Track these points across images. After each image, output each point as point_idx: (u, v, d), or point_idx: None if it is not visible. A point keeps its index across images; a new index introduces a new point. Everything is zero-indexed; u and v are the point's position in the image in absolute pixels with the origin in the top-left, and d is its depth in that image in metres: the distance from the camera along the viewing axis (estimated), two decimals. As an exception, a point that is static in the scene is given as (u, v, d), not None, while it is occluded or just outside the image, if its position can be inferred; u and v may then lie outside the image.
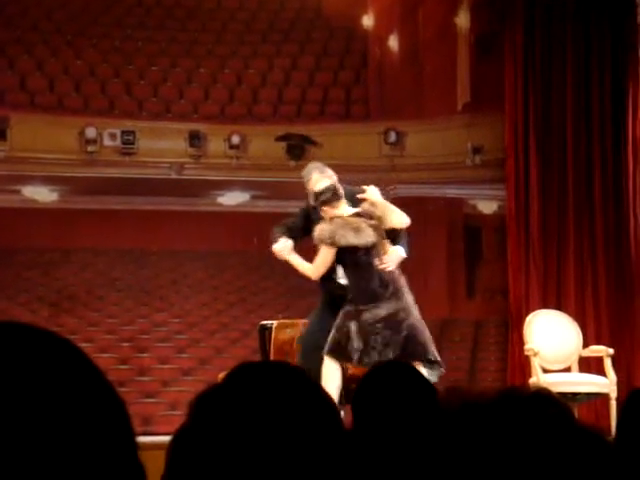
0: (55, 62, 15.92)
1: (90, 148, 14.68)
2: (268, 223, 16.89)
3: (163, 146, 14.97)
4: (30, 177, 15.00)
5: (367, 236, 6.68)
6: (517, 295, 11.68)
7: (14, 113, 14.52)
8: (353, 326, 7.05)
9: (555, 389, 7.80)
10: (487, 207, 14.28)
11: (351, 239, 6.71)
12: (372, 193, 7.03)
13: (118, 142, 14.74)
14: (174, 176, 15.07)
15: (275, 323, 8.35)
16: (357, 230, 6.71)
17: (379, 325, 6.98)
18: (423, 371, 6.94)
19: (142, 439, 1.05)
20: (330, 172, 7.38)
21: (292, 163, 15.12)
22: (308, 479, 1.17)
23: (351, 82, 16.47)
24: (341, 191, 7.03)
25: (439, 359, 7.28)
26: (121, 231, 16.55)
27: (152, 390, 12.62)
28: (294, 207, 16.82)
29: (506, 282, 12.08)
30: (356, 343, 7.07)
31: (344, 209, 6.91)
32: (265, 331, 8.33)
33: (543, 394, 1.28)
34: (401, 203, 15.52)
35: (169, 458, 1.29)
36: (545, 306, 10.95)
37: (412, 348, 7.08)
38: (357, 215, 6.74)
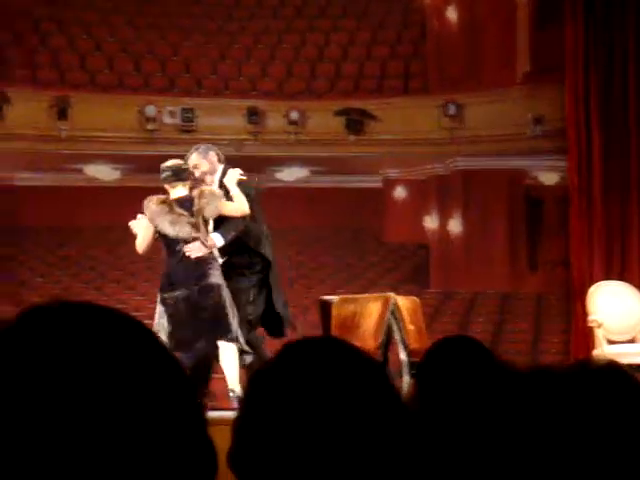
0: (114, 41, 16.01)
1: (150, 126, 14.77)
2: (327, 198, 16.98)
3: (222, 123, 15.01)
4: (92, 156, 15.14)
5: (181, 231, 7.00)
6: (580, 267, 11.57)
7: (75, 92, 14.65)
8: (162, 311, 7.29)
9: (620, 360, 7.71)
10: (549, 178, 14.15)
11: (166, 228, 7.05)
12: (229, 177, 7.17)
13: (178, 120, 14.81)
14: (233, 153, 15.10)
15: (336, 299, 8.34)
16: (173, 222, 7.01)
17: (179, 306, 7.20)
18: (232, 349, 6.99)
19: (209, 414, 1.06)
20: (211, 154, 7.36)
21: (351, 138, 15.09)
22: (369, 455, 1.17)
23: (409, 55, 16.35)
24: (183, 175, 7.21)
25: (244, 346, 7.28)
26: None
27: (217, 366, 12.70)
28: (353, 181, 16.89)
29: (568, 254, 11.96)
30: (166, 328, 7.26)
31: (177, 192, 7.16)
32: (326, 307, 8.33)
33: (615, 368, 1.27)
34: (461, 175, 15.48)
35: (234, 433, 1.30)
36: (608, 277, 10.83)
37: (214, 327, 7.16)
38: (180, 202, 7.00)
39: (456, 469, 1.34)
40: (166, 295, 7.24)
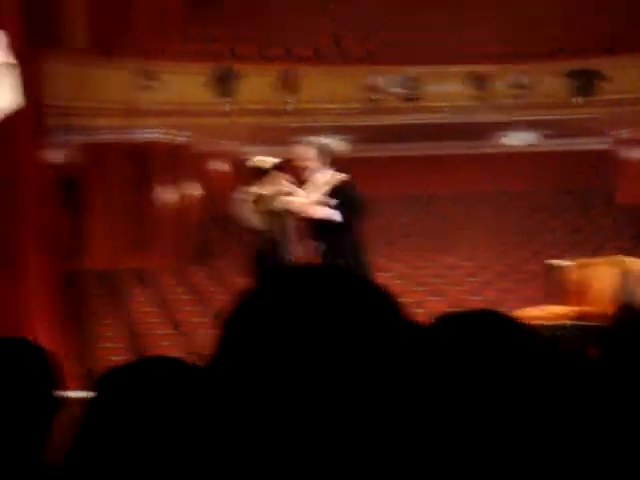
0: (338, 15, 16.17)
1: (374, 96, 14.87)
2: (555, 162, 16.62)
3: (446, 90, 14.93)
4: (318, 128, 15.39)
5: (250, 221, 7.57)
6: None
7: (301, 66, 14.91)
8: None
9: None
10: None
11: (246, 215, 7.58)
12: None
13: (401, 88, 14.85)
14: (458, 120, 15.03)
15: (568, 263, 8.18)
16: (249, 212, 7.54)
17: None
18: None
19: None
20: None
21: (580, 100, 14.69)
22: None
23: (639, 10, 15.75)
24: (260, 173, 7.56)
25: None
26: (407, 177, 16.72)
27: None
28: (582, 144, 16.45)
29: None
30: None
31: (255, 188, 7.62)
32: (557, 271, 8.18)
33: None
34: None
35: None
36: None
37: None
38: (259, 197, 7.55)
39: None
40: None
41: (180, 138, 14.75)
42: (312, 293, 1.02)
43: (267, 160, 7.72)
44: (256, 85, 14.53)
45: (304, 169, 7.15)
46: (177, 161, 14.72)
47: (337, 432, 0.97)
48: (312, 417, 0.97)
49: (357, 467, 0.97)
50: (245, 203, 7.53)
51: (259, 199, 7.49)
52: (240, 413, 1.00)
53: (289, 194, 7.35)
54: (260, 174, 7.59)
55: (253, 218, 7.50)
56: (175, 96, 14.19)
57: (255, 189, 7.54)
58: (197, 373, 1.48)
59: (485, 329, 1.23)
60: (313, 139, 7.74)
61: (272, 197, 7.41)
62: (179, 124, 14.49)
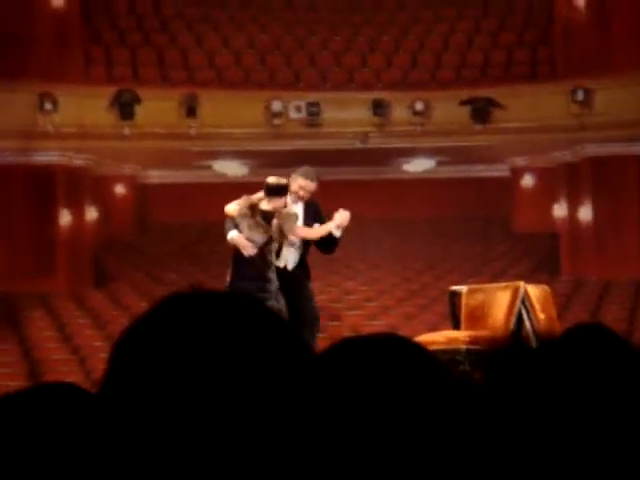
0: (241, 37, 16.21)
1: (276, 121, 14.90)
2: (455, 188, 16.87)
3: (347, 116, 15.05)
4: (220, 152, 15.36)
5: (254, 235, 7.64)
6: None
7: (203, 90, 14.88)
8: None
9: None
10: (682, 163, 13.77)
11: (243, 228, 7.64)
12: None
13: (303, 114, 14.91)
14: (359, 145, 15.15)
15: (465, 289, 8.28)
16: (250, 227, 7.64)
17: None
18: None
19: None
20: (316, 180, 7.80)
21: (477, 127, 14.94)
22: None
23: (536, 42, 16.11)
24: (274, 192, 7.73)
25: None
26: (309, 202, 16.77)
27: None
28: (480, 171, 16.74)
29: None
30: None
31: (265, 204, 7.75)
32: (455, 297, 8.28)
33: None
34: (591, 162, 15.18)
35: None
36: None
37: None
38: (264, 213, 7.67)
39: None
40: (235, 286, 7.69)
41: (80, 161, 14.59)
42: (206, 317, 1.03)
43: (282, 181, 7.83)
44: (158, 109, 14.46)
45: (301, 197, 7.53)
46: (77, 184, 14.55)
47: (226, 456, 0.97)
48: (202, 441, 0.97)
49: None
50: (241, 209, 7.61)
51: (256, 211, 7.56)
52: (126, 439, 1.00)
53: (297, 217, 7.57)
54: (275, 192, 7.67)
55: (244, 227, 7.56)
56: (76, 119, 14.05)
57: (263, 203, 7.62)
58: (89, 399, 1.48)
59: (384, 353, 1.23)
60: (304, 170, 7.92)
61: (284, 216, 7.53)
62: (80, 147, 14.34)
